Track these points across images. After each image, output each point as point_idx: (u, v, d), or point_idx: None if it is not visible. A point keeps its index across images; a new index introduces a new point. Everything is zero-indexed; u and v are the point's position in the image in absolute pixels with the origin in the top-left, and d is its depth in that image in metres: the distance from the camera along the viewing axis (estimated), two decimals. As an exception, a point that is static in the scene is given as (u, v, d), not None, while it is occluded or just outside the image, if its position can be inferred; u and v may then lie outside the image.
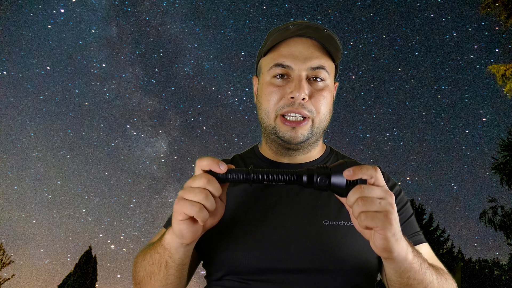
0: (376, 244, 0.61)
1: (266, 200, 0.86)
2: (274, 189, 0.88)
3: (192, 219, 0.65)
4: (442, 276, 0.76)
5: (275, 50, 0.89)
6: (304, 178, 0.64)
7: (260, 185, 0.88)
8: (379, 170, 0.62)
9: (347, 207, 0.67)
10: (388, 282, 0.71)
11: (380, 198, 0.59)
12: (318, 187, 0.64)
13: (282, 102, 0.87)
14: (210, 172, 0.65)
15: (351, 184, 0.62)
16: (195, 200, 0.62)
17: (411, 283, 0.67)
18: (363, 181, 0.62)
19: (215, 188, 0.63)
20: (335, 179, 0.62)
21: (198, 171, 0.65)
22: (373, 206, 0.58)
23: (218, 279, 0.83)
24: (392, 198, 0.60)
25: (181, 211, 0.63)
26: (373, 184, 0.61)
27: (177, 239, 0.67)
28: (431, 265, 0.77)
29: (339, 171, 0.62)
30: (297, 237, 0.79)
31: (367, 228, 0.61)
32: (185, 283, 0.81)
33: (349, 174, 0.61)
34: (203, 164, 0.64)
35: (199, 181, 0.63)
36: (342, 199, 0.67)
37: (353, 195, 0.60)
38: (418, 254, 0.70)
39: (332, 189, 0.64)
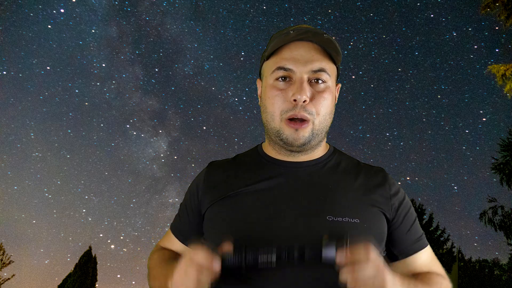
0: None
1: (270, 196, 0.87)
2: (277, 185, 0.89)
3: None
4: None
5: (277, 54, 0.91)
6: (296, 254, 0.66)
7: (263, 177, 0.92)
8: (371, 247, 0.66)
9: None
10: None
11: (372, 278, 0.64)
12: (310, 262, 0.66)
13: (286, 106, 0.88)
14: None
15: None
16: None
17: None
18: None
19: (207, 278, 0.69)
20: (326, 254, 0.65)
21: (190, 262, 0.70)
22: (366, 286, 0.63)
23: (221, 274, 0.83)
24: (383, 273, 0.65)
25: None
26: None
27: None
28: (428, 283, 0.83)
29: (330, 246, 0.65)
30: (301, 232, 0.80)
31: None
32: None
33: (340, 261, 0.64)
34: (197, 260, 0.69)
35: (191, 273, 0.69)
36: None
37: (345, 275, 0.64)
38: (413, 285, 0.75)
39: (324, 263, 0.66)
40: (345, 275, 0.64)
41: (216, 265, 0.68)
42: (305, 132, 0.88)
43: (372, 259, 0.65)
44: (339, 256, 0.63)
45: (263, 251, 0.67)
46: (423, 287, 0.79)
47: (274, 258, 0.66)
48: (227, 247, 0.72)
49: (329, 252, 0.64)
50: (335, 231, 0.80)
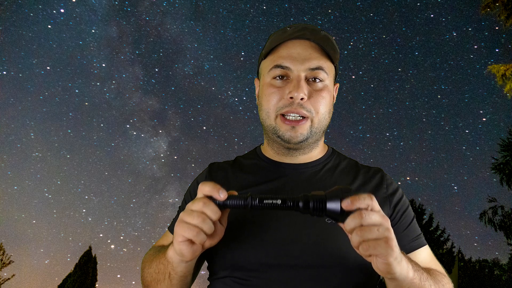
0: (378, 267, 0.63)
1: None
2: (277, 187, 0.89)
3: (191, 240, 0.68)
4: (440, 283, 0.80)
5: (274, 52, 0.91)
6: (300, 204, 0.65)
7: (262, 180, 0.92)
8: (374, 198, 0.63)
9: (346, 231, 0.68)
10: None
11: (378, 225, 0.61)
12: (314, 212, 0.65)
13: (282, 102, 0.88)
14: (211, 197, 0.67)
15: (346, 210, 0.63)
16: (193, 223, 0.65)
17: None
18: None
19: (213, 212, 0.66)
20: (331, 205, 0.64)
21: (199, 194, 0.68)
22: (372, 234, 0.60)
23: (220, 276, 0.83)
24: (388, 222, 0.62)
25: (180, 233, 0.67)
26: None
27: (178, 257, 0.71)
28: (429, 273, 0.79)
29: (334, 197, 0.64)
30: (300, 233, 0.80)
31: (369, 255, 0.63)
32: (189, 287, 0.86)
33: (347, 205, 0.62)
34: (204, 190, 0.67)
35: (197, 205, 0.66)
36: (340, 224, 0.68)
37: (351, 222, 0.62)
38: (417, 268, 0.72)
39: (328, 215, 0.65)
40: (350, 225, 0.62)
41: (223, 194, 0.66)
42: (303, 130, 0.88)
43: (376, 206, 0.63)
44: (344, 203, 0.62)
45: (269, 197, 0.67)
46: (425, 272, 0.77)
47: (279, 202, 0.66)
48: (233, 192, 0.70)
49: (333, 203, 0.63)
50: (333, 232, 0.80)
